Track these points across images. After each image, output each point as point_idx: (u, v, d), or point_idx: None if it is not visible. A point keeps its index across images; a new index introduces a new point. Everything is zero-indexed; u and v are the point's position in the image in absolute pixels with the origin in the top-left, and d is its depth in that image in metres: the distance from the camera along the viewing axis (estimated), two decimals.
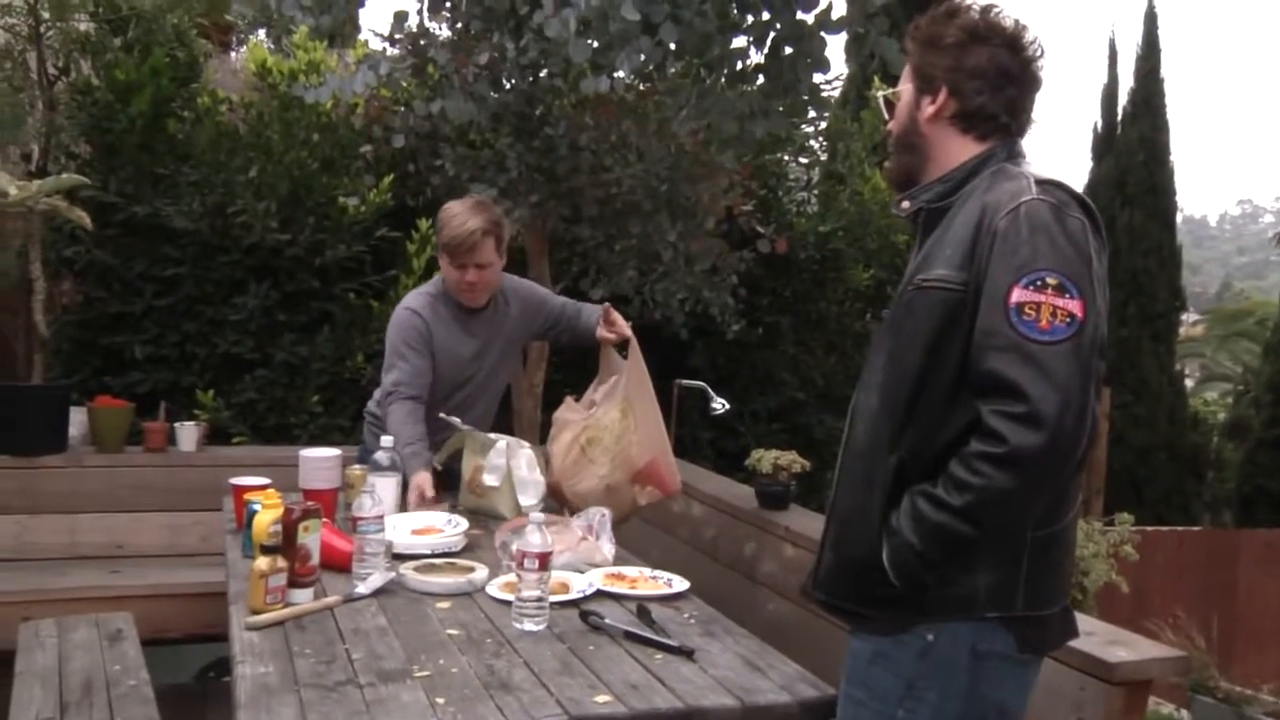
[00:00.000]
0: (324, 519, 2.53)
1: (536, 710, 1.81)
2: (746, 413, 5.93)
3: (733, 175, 4.79)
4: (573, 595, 2.40)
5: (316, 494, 2.90)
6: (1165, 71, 11.80)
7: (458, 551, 2.72)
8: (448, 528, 2.82)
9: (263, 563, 2.25)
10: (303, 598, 2.34)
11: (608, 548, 2.69)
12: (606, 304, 3.34)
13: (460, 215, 3.18)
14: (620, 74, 3.72)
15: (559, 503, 3.12)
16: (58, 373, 4.64)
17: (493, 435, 3.19)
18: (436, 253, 3.33)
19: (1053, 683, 2.01)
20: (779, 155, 6.21)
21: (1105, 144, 11.97)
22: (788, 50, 3.59)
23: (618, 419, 3.05)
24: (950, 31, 1.80)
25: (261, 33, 8.45)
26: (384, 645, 2.10)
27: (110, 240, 4.79)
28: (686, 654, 2.10)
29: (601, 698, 1.87)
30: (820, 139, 6.54)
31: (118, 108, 4.82)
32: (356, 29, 6.74)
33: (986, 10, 1.80)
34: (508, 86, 4.31)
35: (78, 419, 4.23)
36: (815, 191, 6.52)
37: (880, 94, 1.94)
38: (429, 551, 2.67)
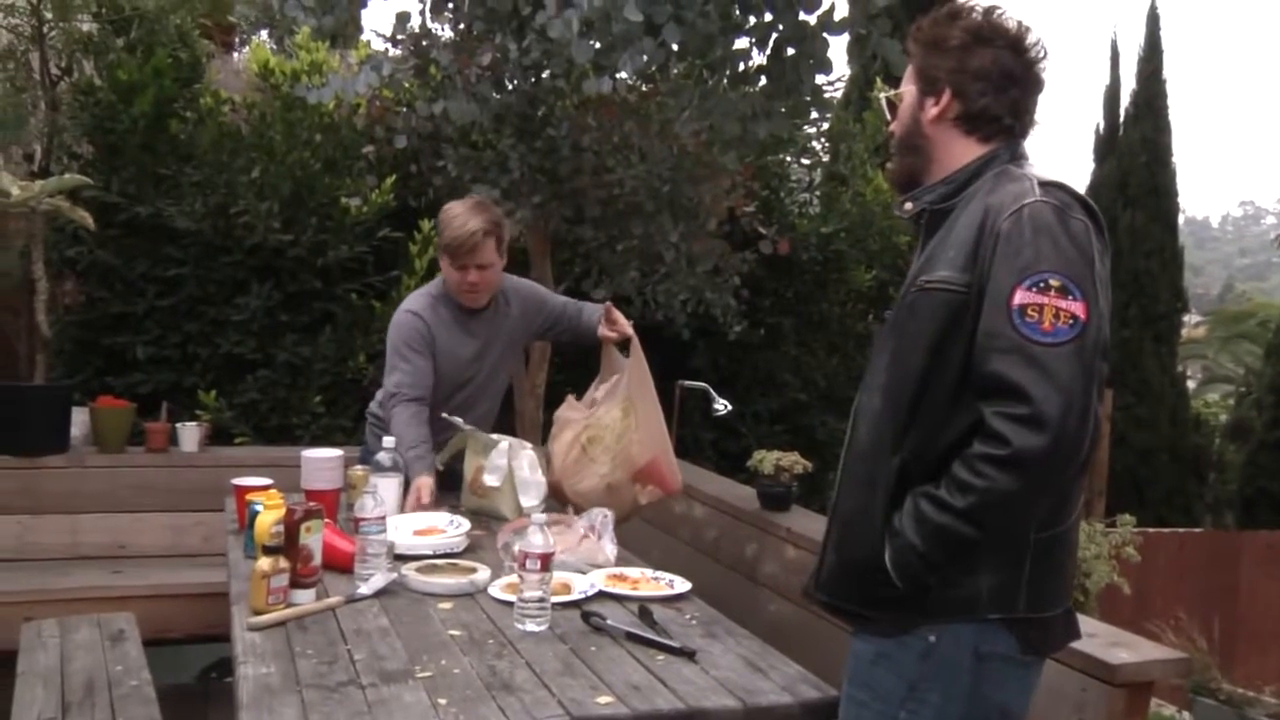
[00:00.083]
0: (326, 519, 2.53)
1: (538, 711, 1.81)
2: (748, 414, 5.93)
3: (735, 176, 4.79)
4: (574, 596, 2.40)
5: (318, 494, 2.90)
6: (1167, 73, 11.81)
7: (460, 552, 2.72)
8: (450, 528, 2.83)
9: (265, 563, 2.25)
10: (305, 598, 2.34)
11: (610, 548, 2.69)
12: (608, 303, 3.34)
13: (461, 216, 3.18)
14: (623, 75, 3.72)
15: (560, 502, 3.12)
16: (60, 373, 4.64)
17: (495, 436, 3.20)
18: (437, 254, 3.33)
19: (1055, 684, 2.01)
20: (781, 156, 6.21)
21: (1107, 145, 11.98)
22: (790, 51, 3.59)
23: (619, 418, 3.05)
24: (954, 33, 1.80)
25: (264, 33, 8.46)
26: (386, 646, 2.10)
27: (112, 240, 4.80)
28: (688, 655, 2.10)
29: (603, 698, 1.87)
30: (822, 140, 6.53)
31: (120, 108, 4.82)
32: (359, 30, 6.76)
33: (989, 12, 1.81)
34: (510, 87, 4.31)
35: (80, 419, 4.23)
36: (817, 193, 6.52)
37: (882, 95, 1.94)
38: (431, 552, 2.68)
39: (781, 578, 3.19)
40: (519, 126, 4.34)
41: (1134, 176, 11.47)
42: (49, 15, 4.86)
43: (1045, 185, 1.68)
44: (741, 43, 3.65)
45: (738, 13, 3.53)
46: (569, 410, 3.22)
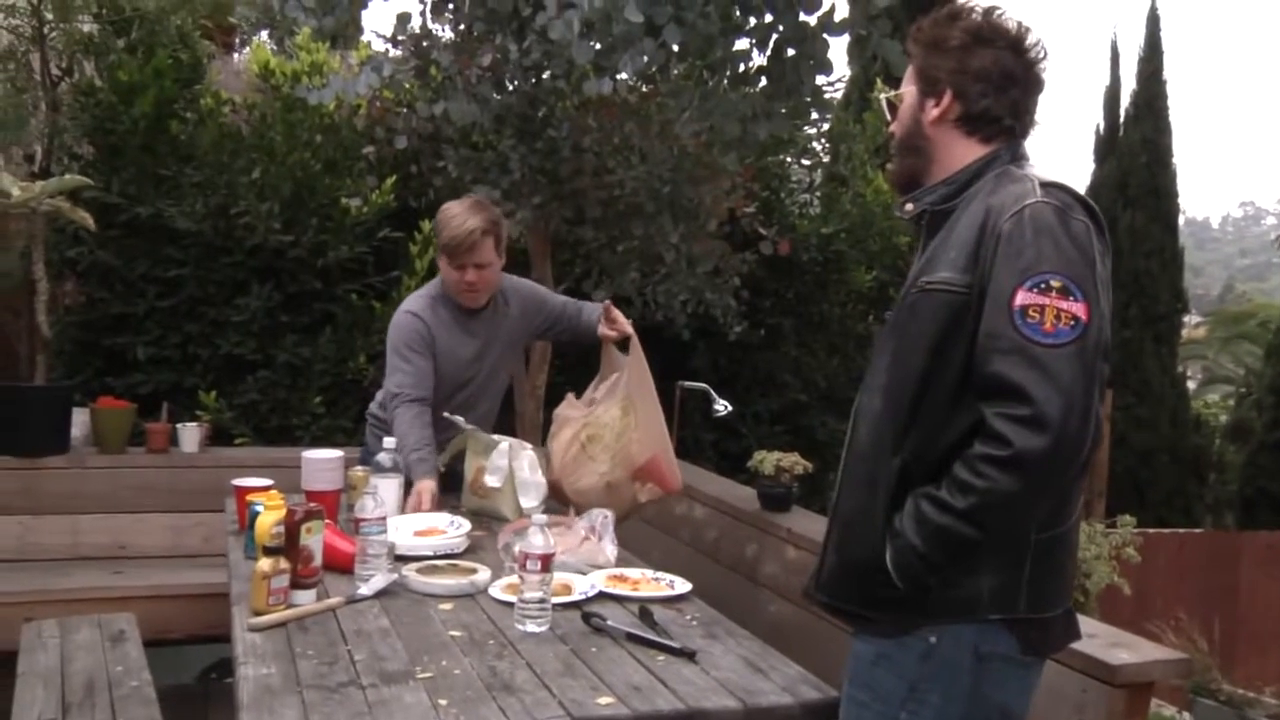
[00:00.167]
0: (326, 520, 2.53)
1: (539, 711, 1.81)
2: (749, 414, 5.93)
3: (735, 177, 4.79)
4: (575, 597, 2.40)
5: (319, 495, 2.90)
6: (1168, 73, 11.82)
7: (460, 553, 2.72)
8: (450, 529, 2.83)
9: (265, 564, 2.26)
10: (305, 599, 2.34)
11: (610, 549, 2.69)
12: (607, 301, 3.34)
13: (459, 215, 3.18)
14: (623, 76, 3.72)
15: (559, 500, 3.13)
16: (60, 373, 4.64)
17: (495, 436, 3.20)
18: (436, 254, 3.33)
19: (1055, 685, 2.01)
20: (781, 157, 6.21)
21: (1107, 146, 11.98)
22: (790, 52, 3.59)
23: (618, 416, 3.05)
24: (954, 34, 1.80)
25: (264, 34, 8.47)
26: (386, 646, 2.11)
27: (113, 241, 4.80)
28: (688, 655, 2.10)
29: (604, 699, 1.87)
30: (823, 141, 6.53)
31: (121, 109, 4.82)
32: (359, 30, 6.77)
33: (989, 12, 1.81)
34: (510, 88, 4.31)
35: (80, 420, 4.24)
36: (818, 193, 6.52)
37: (883, 96, 1.94)
38: (431, 553, 2.68)
39: (782, 578, 3.19)
40: (519, 127, 4.34)
41: (1134, 177, 11.47)
42: (50, 16, 4.86)
43: (1046, 186, 1.68)
44: (742, 44, 3.65)
45: (738, 14, 3.53)
46: (568, 408, 3.22)
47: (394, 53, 4.45)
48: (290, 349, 4.92)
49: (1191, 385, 14.23)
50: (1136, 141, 11.61)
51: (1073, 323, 1.59)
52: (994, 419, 1.59)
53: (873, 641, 1.77)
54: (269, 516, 2.41)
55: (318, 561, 2.42)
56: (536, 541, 2.18)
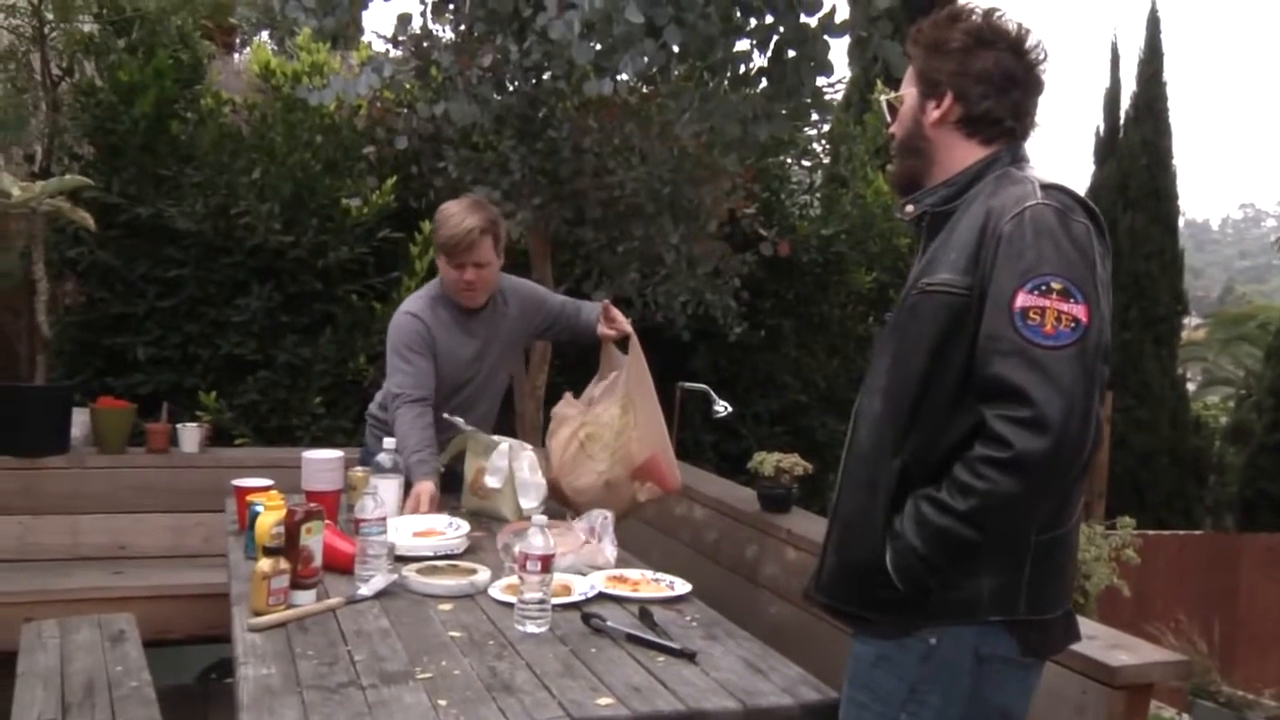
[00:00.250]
0: (326, 521, 2.53)
1: (539, 712, 1.81)
2: (748, 415, 5.93)
3: (735, 178, 4.79)
4: (575, 598, 2.40)
5: (319, 495, 2.90)
6: (1168, 75, 11.81)
7: (460, 553, 2.72)
8: (449, 530, 2.83)
9: (265, 564, 2.26)
10: (305, 599, 2.34)
11: (610, 550, 2.69)
12: (605, 301, 3.34)
13: (457, 214, 3.18)
14: (623, 77, 3.72)
15: (557, 500, 3.13)
16: (60, 373, 4.64)
17: (495, 437, 3.20)
18: (435, 254, 3.34)
19: (1054, 686, 2.01)
20: (782, 158, 6.21)
21: (1107, 147, 11.98)
22: (791, 53, 3.59)
23: (618, 415, 3.06)
24: (954, 36, 1.80)
25: (265, 34, 8.47)
26: (386, 647, 2.11)
27: (113, 241, 4.80)
28: (688, 656, 2.10)
29: (604, 700, 1.87)
30: (823, 142, 6.53)
31: (121, 109, 4.82)
32: (360, 31, 6.77)
33: (990, 14, 1.81)
34: (511, 89, 4.31)
35: (80, 420, 4.23)
36: (818, 194, 6.52)
37: (883, 98, 1.94)
38: (431, 553, 2.68)
39: (782, 580, 3.19)
40: (520, 128, 4.35)
41: (1134, 179, 11.47)
42: (50, 16, 4.86)
43: (1046, 188, 1.68)
44: (742, 45, 3.65)
45: (739, 15, 3.54)
46: (566, 407, 3.22)
47: (394, 53, 4.46)
48: (290, 349, 4.92)
49: (1191, 387, 14.23)
50: (1136, 143, 11.61)
51: (1073, 325, 1.59)
52: (994, 421, 1.59)
53: (873, 643, 1.77)
54: (269, 517, 2.41)
55: (318, 562, 2.42)
56: (536, 542, 2.18)
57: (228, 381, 4.87)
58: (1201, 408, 13.53)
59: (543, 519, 2.25)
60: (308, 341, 4.96)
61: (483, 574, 2.51)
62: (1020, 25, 1.80)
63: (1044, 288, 1.60)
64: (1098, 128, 12.19)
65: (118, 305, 4.82)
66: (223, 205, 4.86)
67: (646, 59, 3.38)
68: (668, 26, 3.29)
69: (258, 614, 2.24)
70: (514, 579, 2.36)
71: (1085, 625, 1.98)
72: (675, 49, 3.38)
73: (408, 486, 3.02)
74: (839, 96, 8.76)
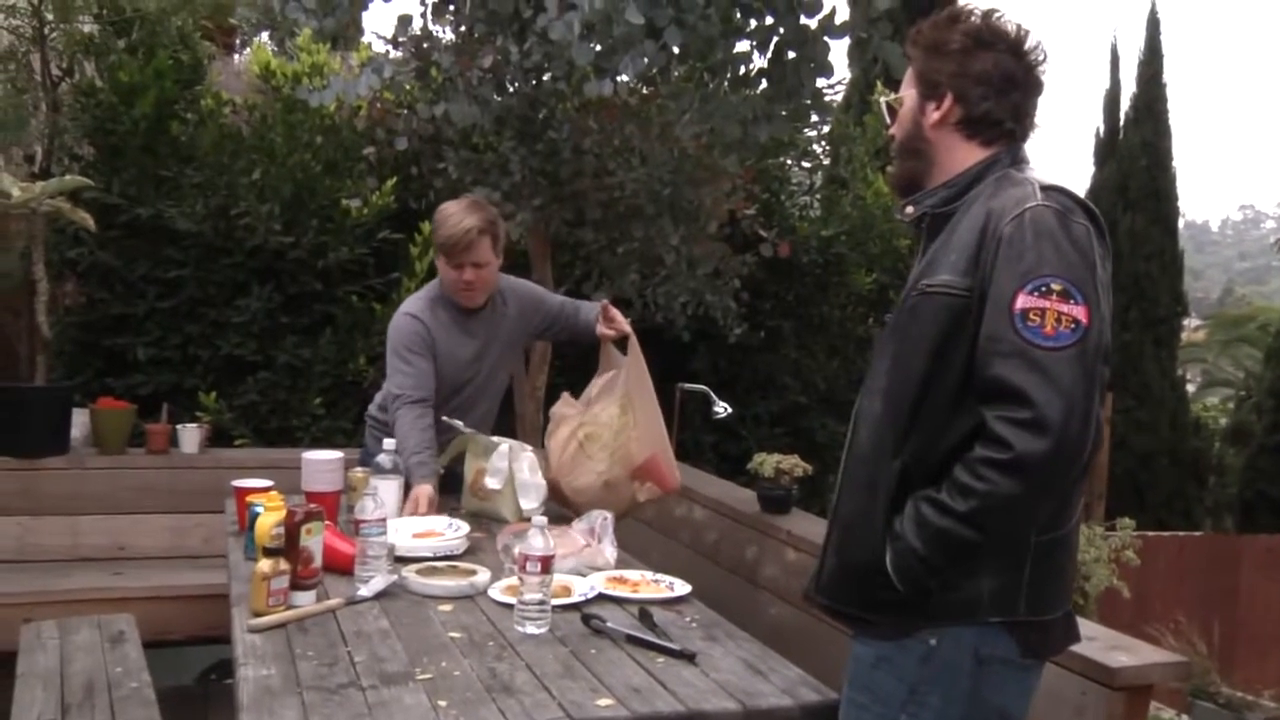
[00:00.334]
0: (326, 521, 2.53)
1: (538, 713, 1.81)
2: (748, 416, 5.93)
3: (735, 179, 4.79)
4: (574, 599, 2.40)
5: (319, 496, 2.90)
6: (1167, 76, 11.81)
7: (460, 554, 2.72)
8: (449, 531, 2.83)
9: (265, 565, 2.26)
10: (305, 600, 2.34)
11: (610, 551, 2.70)
12: (604, 301, 3.34)
13: (456, 215, 3.18)
14: (623, 78, 3.72)
15: (556, 500, 3.13)
16: (60, 374, 4.64)
17: (495, 438, 3.20)
18: (434, 254, 3.34)
19: (1054, 687, 2.01)
20: (782, 159, 6.21)
21: (1107, 149, 11.98)
22: (791, 55, 3.60)
23: (617, 415, 3.06)
24: (954, 37, 1.80)
25: (265, 35, 8.47)
26: (386, 648, 2.11)
27: (113, 242, 4.80)
28: (688, 657, 2.10)
29: (603, 701, 1.87)
30: (823, 143, 6.54)
31: (121, 109, 4.82)
32: (360, 32, 6.77)
33: (989, 15, 1.81)
34: (511, 90, 4.32)
35: (80, 420, 4.23)
36: (818, 196, 6.52)
37: (882, 99, 1.94)
38: (431, 554, 2.68)
39: (782, 581, 3.19)
40: (520, 129, 4.35)
41: (1134, 180, 11.47)
42: (50, 16, 4.86)
43: (1046, 189, 1.68)
44: (742, 46, 3.66)
45: (739, 16, 3.54)
46: (565, 406, 3.23)
47: (395, 54, 4.46)
48: (290, 350, 4.92)
49: (1191, 388, 14.22)
50: (1136, 145, 11.61)
51: (1073, 326, 1.59)
52: (994, 422, 1.60)
53: (872, 644, 1.77)
54: (269, 518, 2.41)
55: (317, 563, 2.42)
56: (536, 543, 2.18)
57: (228, 382, 4.87)
58: (1201, 409, 13.53)
59: (542, 520, 2.25)
60: (308, 342, 4.96)
61: (483, 575, 2.51)
62: (1019, 26, 1.80)
63: (1044, 289, 1.60)
64: (1097, 129, 12.19)
65: (118, 306, 4.82)
66: (223, 206, 4.86)
67: (646, 60, 3.39)
68: (668, 28, 3.30)
69: (257, 615, 2.23)
70: (514, 580, 2.36)
71: (1085, 626, 1.98)
72: (675, 50, 3.38)
73: (407, 488, 3.02)
74: (839, 98, 8.76)
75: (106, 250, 4.78)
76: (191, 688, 4.04)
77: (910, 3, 8.23)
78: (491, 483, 3.10)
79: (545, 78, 4.33)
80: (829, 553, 1.85)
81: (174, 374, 4.84)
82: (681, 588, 2.54)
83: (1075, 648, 1.88)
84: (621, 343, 3.22)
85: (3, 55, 4.94)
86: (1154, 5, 12.18)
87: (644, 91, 4.51)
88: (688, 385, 4.66)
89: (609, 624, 2.23)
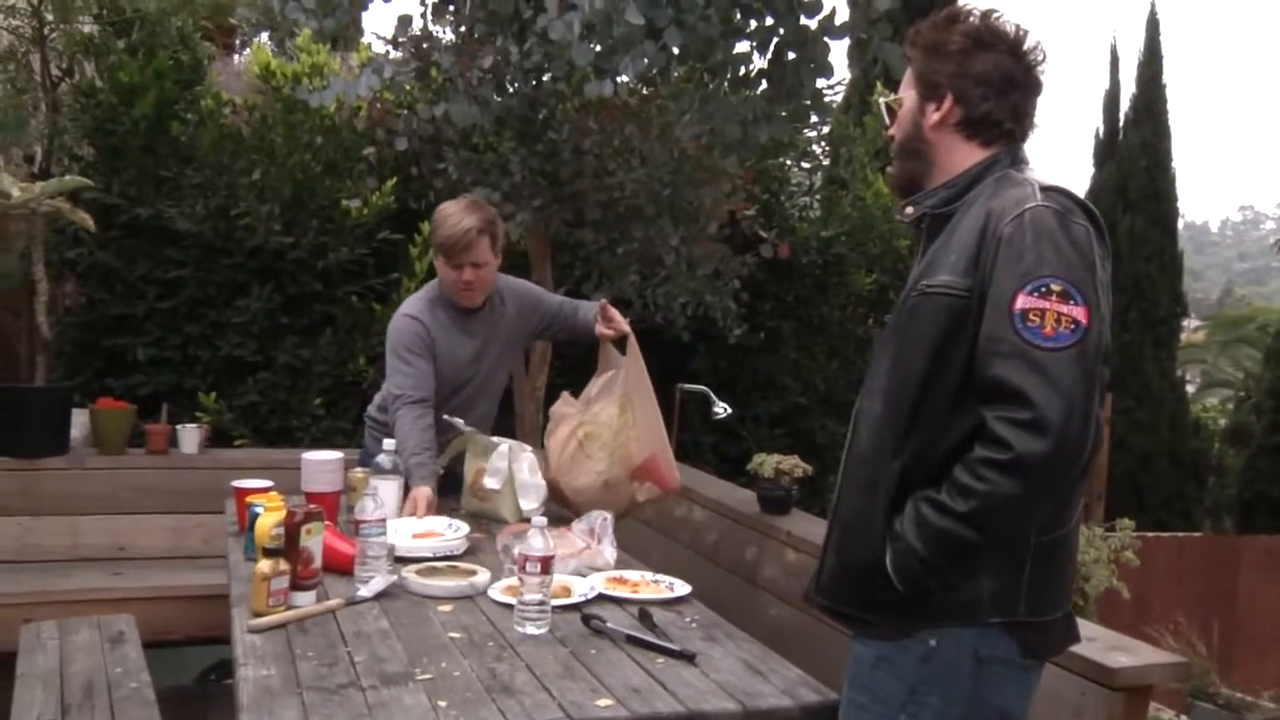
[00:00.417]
0: (326, 522, 2.53)
1: (538, 714, 1.81)
2: (748, 417, 5.93)
3: (735, 180, 4.79)
4: (574, 599, 2.41)
5: (319, 497, 2.90)
6: (1167, 77, 11.81)
7: (459, 555, 2.72)
8: (449, 531, 2.83)
9: (265, 565, 2.26)
10: (305, 600, 2.34)
11: (609, 552, 2.70)
12: (603, 301, 3.35)
13: (455, 215, 3.19)
14: (623, 78, 3.73)
15: (556, 500, 3.13)
16: (60, 374, 4.64)
17: (495, 439, 3.20)
18: (433, 254, 3.34)
19: (1054, 688, 2.01)
20: (781, 160, 6.21)
21: (1107, 149, 11.98)
22: (791, 55, 3.60)
23: (616, 415, 3.06)
24: (953, 38, 1.80)
25: (265, 36, 8.47)
26: (386, 648, 2.11)
27: (113, 242, 4.80)
28: (688, 658, 2.10)
29: (603, 701, 1.88)
30: (823, 144, 6.54)
31: (121, 110, 4.82)
32: (360, 32, 6.78)
33: (988, 16, 1.81)
34: (511, 90, 4.32)
35: (80, 421, 4.24)
36: (818, 196, 6.52)
37: (882, 100, 1.95)
38: (431, 555, 2.68)
39: (781, 581, 3.19)
40: (520, 129, 4.35)
41: (1134, 181, 11.47)
42: (50, 17, 4.86)
43: (1046, 190, 1.69)
44: (742, 46, 3.66)
45: (739, 17, 3.54)
46: (564, 406, 3.23)
47: (395, 54, 4.46)
48: (290, 351, 4.92)
49: (1191, 389, 14.21)
50: (1136, 145, 11.61)
51: (1073, 326, 1.59)
52: (994, 422, 1.60)
53: (872, 644, 1.77)
54: (269, 518, 2.41)
55: (317, 563, 2.42)
56: (536, 544, 2.18)
57: (227, 383, 4.87)
58: (1201, 410, 13.52)
59: (542, 520, 2.25)
60: (307, 343, 4.96)
61: (482, 575, 2.51)
62: (1019, 27, 1.80)
63: (1044, 289, 1.60)
64: (1097, 130, 12.20)
65: (117, 306, 4.82)
66: (223, 206, 4.86)
67: (646, 61, 3.39)
68: (668, 28, 3.30)
69: (257, 615, 2.24)
70: (514, 580, 2.36)
71: (1084, 627, 1.98)
72: (675, 51, 3.38)
73: (407, 488, 3.02)
74: (839, 98, 8.75)
75: (106, 250, 4.78)
76: (191, 688, 4.04)
77: (910, 3, 8.23)
78: (491, 483, 3.10)
79: (545, 78, 4.33)
80: (829, 553, 1.85)
81: (174, 374, 4.84)
82: (681, 588, 2.55)
83: (1075, 648, 1.88)
84: (620, 342, 3.22)
85: (2, 55, 4.94)
86: (1153, 6, 12.18)
87: (644, 92, 4.51)
88: (687, 386, 4.66)
89: (609, 624, 2.23)
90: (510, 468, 3.11)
